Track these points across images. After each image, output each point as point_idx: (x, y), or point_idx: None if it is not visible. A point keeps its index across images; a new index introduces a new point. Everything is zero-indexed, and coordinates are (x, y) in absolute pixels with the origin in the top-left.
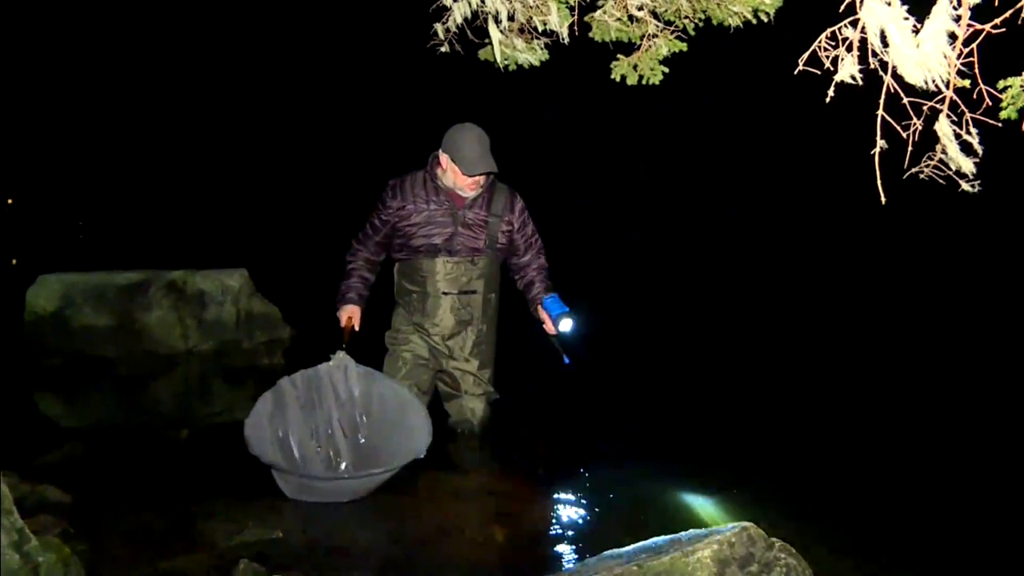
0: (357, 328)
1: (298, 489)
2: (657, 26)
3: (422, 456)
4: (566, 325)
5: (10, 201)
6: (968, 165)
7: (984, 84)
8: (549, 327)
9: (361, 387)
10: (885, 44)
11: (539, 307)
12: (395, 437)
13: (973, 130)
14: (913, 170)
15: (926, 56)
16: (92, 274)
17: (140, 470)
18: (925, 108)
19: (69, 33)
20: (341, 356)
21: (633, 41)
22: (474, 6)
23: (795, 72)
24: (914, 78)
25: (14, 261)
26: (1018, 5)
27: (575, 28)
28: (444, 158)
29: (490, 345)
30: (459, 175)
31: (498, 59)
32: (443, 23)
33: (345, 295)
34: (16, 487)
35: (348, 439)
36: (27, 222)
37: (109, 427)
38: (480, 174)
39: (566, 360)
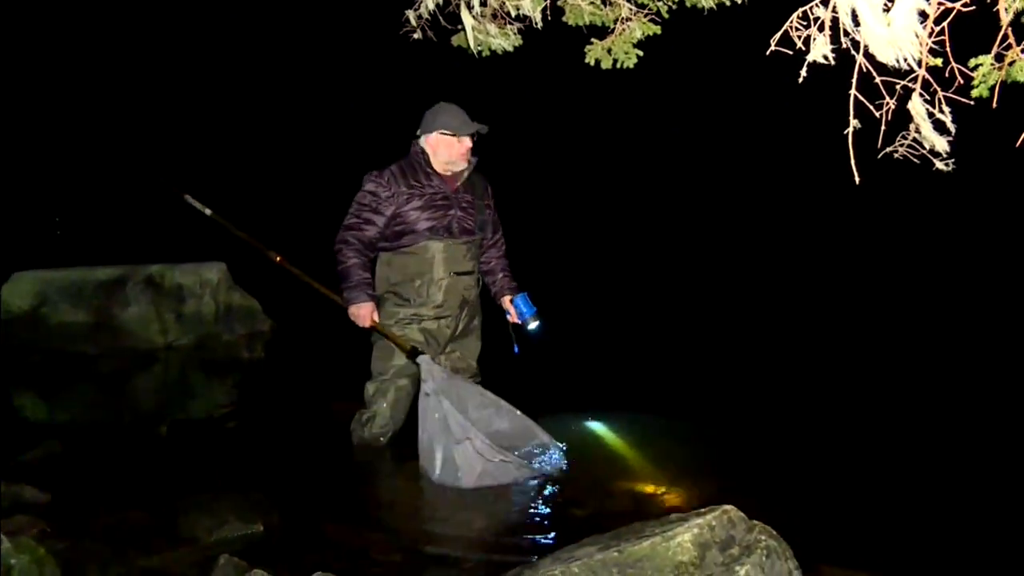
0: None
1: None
2: (631, 9)
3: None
4: (534, 325)
5: None
6: (941, 144)
7: (955, 62)
8: (513, 319)
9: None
10: (856, 23)
11: (508, 301)
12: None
13: (946, 108)
14: (887, 150)
15: (897, 35)
16: (68, 271)
17: (119, 467)
18: (898, 87)
19: (43, 27)
20: (425, 359)
21: (607, 25)
22: None
23: (767, 53)
24: (886, 57)
25: None
26: None
27: (548, 12)
28: (432, 136)
29: (480, 324)
30: (452, 146)
31: (471, 45)
32: (415, 10)
33: (359, 292)
34: None
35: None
36: (1, 219)
37: (88, 424)
38: (475, 132)
39: (516, 349)
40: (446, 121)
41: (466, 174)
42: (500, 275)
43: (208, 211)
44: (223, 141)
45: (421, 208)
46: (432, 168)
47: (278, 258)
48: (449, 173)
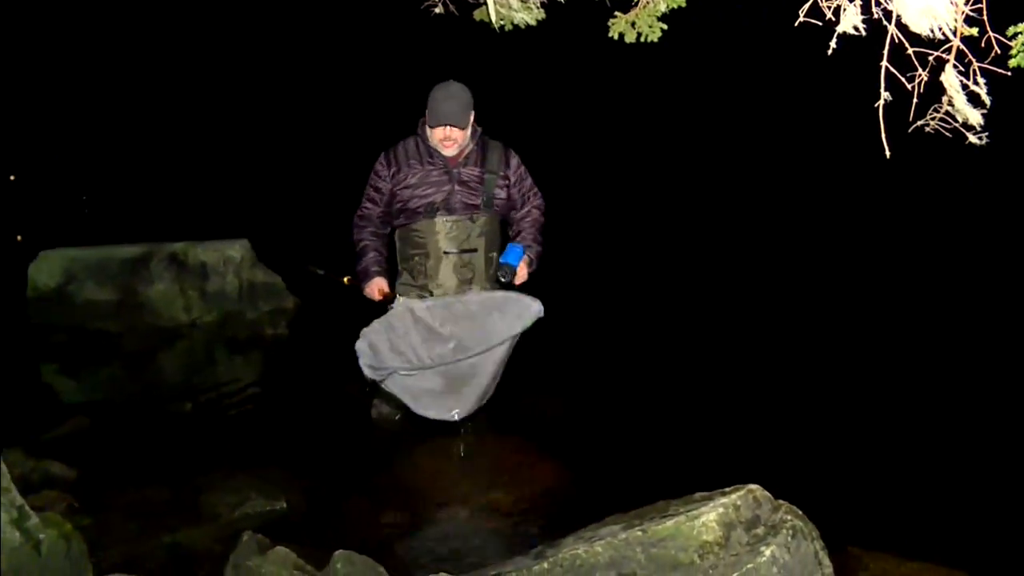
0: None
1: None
2: None
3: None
4: (503, 274)
5: (12, 178)
6: (975, 117)
7: (992, 31)
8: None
9: (439, 317)
10: None
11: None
12: (488, 325)
13: (981, 80)
14: (919, 123)
15: (932, 3)
16: (93, 249)
17: (144, 444)
18: (931, 58)
19: (66, 10)
20: (402, 301)
21: None
22: None
23: (796, 24)
24: (919, 27)
25: (19, 238)
26: None
27: None
28: (426, 116)
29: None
30: (431, 130)
31: (493, 20)
32: None
33: (369, 270)
34: (21, 463)
35: (439, 367)
36: (31, 198)
37: (113, 401)
38: (440, 125)
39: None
40: (429, 108)
41: (468, 149)
42: (524, 232)
43: (321, 271)
44: (231, 117)
45: (415, 185)
46: (431, 145)
47: (347, 279)
48: (450, 153)
